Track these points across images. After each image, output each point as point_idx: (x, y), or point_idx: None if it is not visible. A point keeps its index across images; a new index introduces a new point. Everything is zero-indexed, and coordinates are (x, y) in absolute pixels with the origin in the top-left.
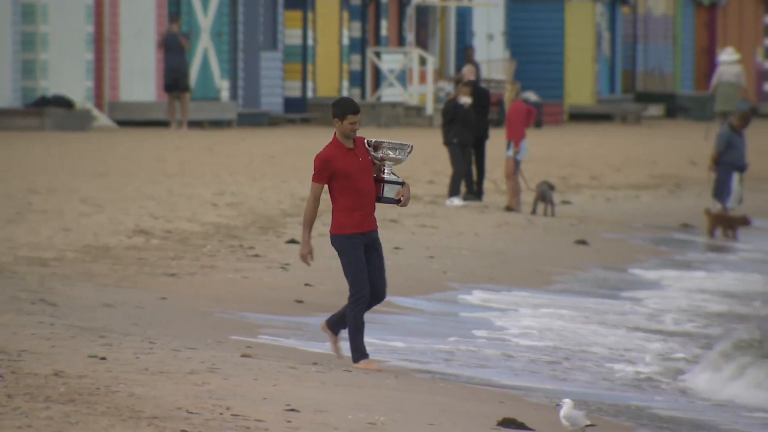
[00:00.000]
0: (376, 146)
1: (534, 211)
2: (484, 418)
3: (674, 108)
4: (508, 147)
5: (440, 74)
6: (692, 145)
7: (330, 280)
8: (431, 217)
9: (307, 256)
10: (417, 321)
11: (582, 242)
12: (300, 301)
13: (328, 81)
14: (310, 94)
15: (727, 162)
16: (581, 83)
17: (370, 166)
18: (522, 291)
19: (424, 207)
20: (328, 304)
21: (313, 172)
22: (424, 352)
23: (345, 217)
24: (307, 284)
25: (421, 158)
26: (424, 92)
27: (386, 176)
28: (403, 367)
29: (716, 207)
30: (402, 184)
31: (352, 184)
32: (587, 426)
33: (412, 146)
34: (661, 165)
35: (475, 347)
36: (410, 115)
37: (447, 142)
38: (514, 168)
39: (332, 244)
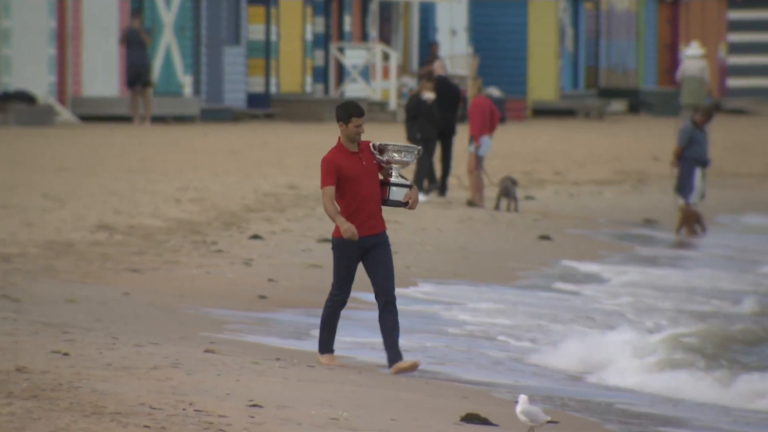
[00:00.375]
0: (382, 149)
1: (497, 207)
2: (448, 413)
3: (637, 103)
4: (470, 142)
5: (404, 70)
6: (655, 140)
7: (293, 276)
8: (394, 212)
9: (354, 232)
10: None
11: (545, 238)
12: (263, 297)
13: (292, 76)
14: (273, 89)
15: (690, 157)
16: (544, 79)
17: (374, 169)
18: (484, 286)
19: None
20: (291, 299)
21: (321, 178)
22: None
23: (346, 220)
24: (270, 280)
25: None
26: (388, 88)
27: (393, 179)
28: (366, 363)
29: (678, 202)
30: (410, 186)
31: (354, 188)
32: (547, 422)
33: (420, 148)
34: (624, 161)
35: (438, 343)
36: (373, 110)
37: (410, 138)
38: (477, 163)
39: (332, 245)
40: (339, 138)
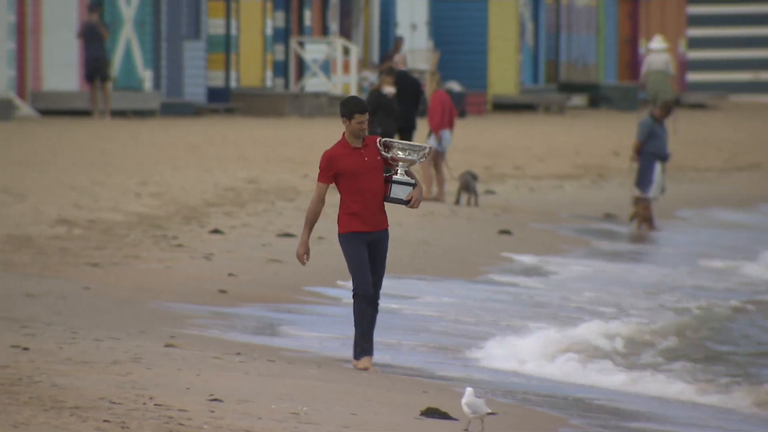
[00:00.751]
0: (387, 146)
1: (458, 201)
2: (408, 407)
3: (597, 98)
4: (429, 136)
5: (364, 64)
6: (615, 135)
7: (253, 270)
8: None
9: (303, 256)
10: (339, 311)
11: (506, 232)
12: (223, 291)
13: (252, 71)
14: (233, 83)
15: (650, 152)
16: (505, 73)
17: (378, 165)
18: (444, 281)
19: None
20: (252, 294)
21: (318, 172)
22: (345, 342)
23: (347, 216)
24: (230, 274)
25: None
26: (348, 82)
27: (396, 176)
28: (327, 357)
29: (633, 193)
30: (413, 185)
31: (356, 184)
32: (488, 414)
33: (429, 148)
34: (584, 155)
35: (399, 338)
36: (334, 105)
37: (370, 132)
38: (436, 158)
39: (339, 242)
40: (343, 133)
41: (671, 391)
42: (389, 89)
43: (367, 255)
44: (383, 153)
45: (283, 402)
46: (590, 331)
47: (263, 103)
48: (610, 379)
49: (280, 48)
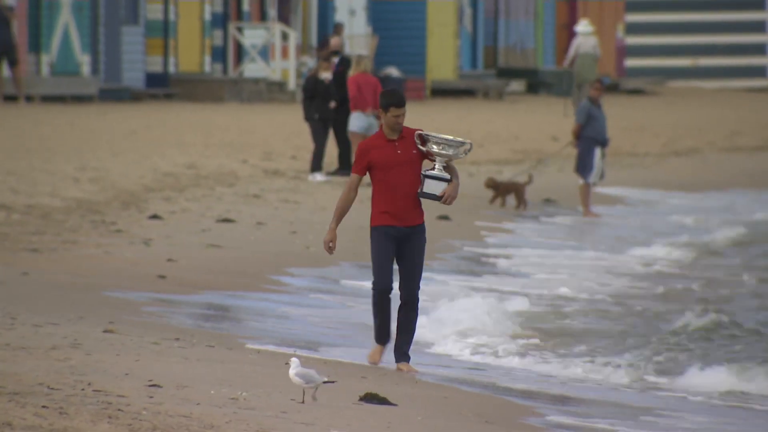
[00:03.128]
0: (424, 140)
1: None
2: (347, 393)
3: (536, 83)
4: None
5: (303, 49)
6: (554, 120)
7: (192, 256)
8: (294, 192)
9: (328, 242)
10: (280, 298)
11: (444, 218)
12: (162, 277)
13: (191, 56)
14: (172, 69)
15: (589, 136)
16: (443, 59)
17: (412, 159)
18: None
19: (287, 182)
20: (191, 279)
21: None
22: (290, 329)
23: (376, 209)
24: (169, 260)
25: (283, 134)
26: (287, 67)
27: (430, 171)
28: (266, 342)
29: (579, 182)
30: (448, 180)
31: (386, 177)
32: (325, 382)
33: (469, 144)
34: (523, 140)
35: (337, 322)
36: (273, 90)
37: (308, 118)
38: (354, 142)
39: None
40: (381, 125)
41: (590, 375)
42: (326, 75)
43: (392, 250)
44: (419, 147)
45: (222, 387)
46: (521, 311)
47: (202, 89)
48: (535, 364)
49: (218, 33)
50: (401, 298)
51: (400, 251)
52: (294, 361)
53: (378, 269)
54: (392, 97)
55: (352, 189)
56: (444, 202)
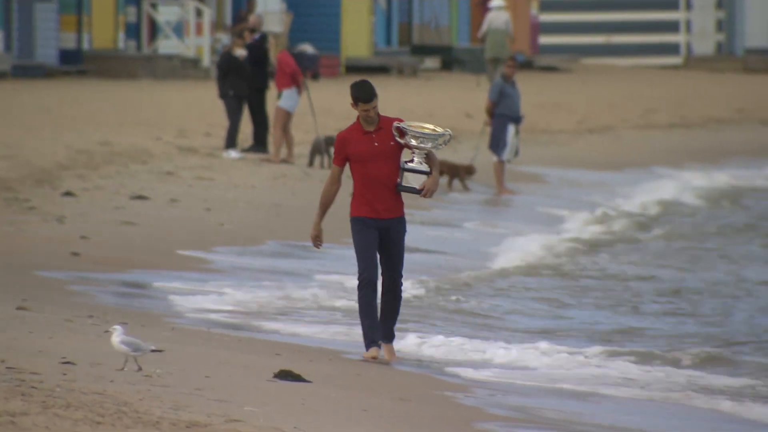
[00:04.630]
0: (402, 132)
1: (311, 164)
2: (261, 370)
3: (450, 61)
4: (279, 97)
5: (217, 26)
6: (468, 97)
7: (106, 233)
8: (208, 169)
9: (314, 238)
10: (192, 275)
11: None
12: (76, 254)
13: (104, 33)
14: (86, 45)
15: (502, 114)
16: (358, 36)
17: (389, 151)
18: (294, 246)
19: (201, 159)
20: (104, 256)
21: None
22: (204, 306)
23: (356, 200)
24: (83, 237)
25: (197, 111)
26: (201, 44)
27: (409, 164)
28: (180, 319)
29: (492, 159)
30: (428, 173)
31: (363, 169)
32: (152, 350)
33: (448, 134)
34: (437, 117)
35: (252, 298)
36: (187, 67)
37: (222, 95)
38: (285, 119)
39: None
40: (358, 115)
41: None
42: (240, 52)
43: (375, 240)
44: (397, 139)
45: (136, 364)
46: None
47: (116, 66)
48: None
49: (132, 10)
50: (383, 285)
51: (382, 243)
52: (117, 328)
53: (362, 261)
54: (359, 91)
55: (334, 181)
56: (424, 196)
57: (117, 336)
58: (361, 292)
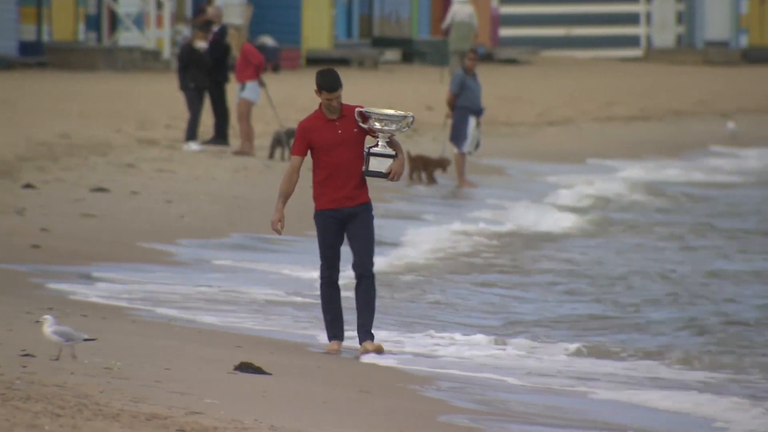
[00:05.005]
0: (365, 117)
1: (271, 156)
2: (222, 362)
3: (411, 53)
4: (242, 89)
5: (178, 18)
6: (429, 89)
7: (66, 225)
8: (169, 161)
9: (275, 222)
10: (152, 267)
11: None
12: (36, 246)
13: (64, 24)
14: (46, 37)
15: (464, 106)
16: (318, 28)
17: (354, 138)
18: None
19: (162, 152)
20: (65, 248)
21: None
22: (166, 298)
23: (318, 191)
24: (43, 229)
25: (158, 103)
26: (162, 36)
27: (374, 149)
28: (140, 311)
29: (453, 151)
30: (393, 157)
31: (327, 158)
32: (85, 339)
33: (411, 116)
34: (397, 110)
35: (214, 290)
36: (147, 59)
37: (183, 87)
38: (246, 111)
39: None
40: (320, 103)
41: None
42: (201, 44)
43: (339, 237)
44: (361, 124)
45: (95, 357)
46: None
47: (76, 57)
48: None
49: (92, 2)
50: (356, 276)
51: (349, 231)
52: (48, 318)
53: (323, 261)
54: (324, 80)
55: (294, 171)
56: (391, 179)
57: (48, 326)
58: (323, 289)
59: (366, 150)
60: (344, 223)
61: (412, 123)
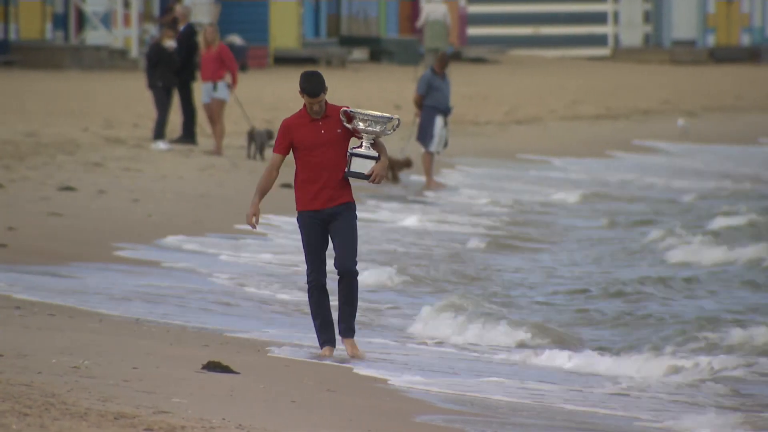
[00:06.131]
0: (350, 117)
1: (249, 155)
2: (189, 361)
3: (379, 52)
4: (215, 89)
5: (146, 17)
6: (396, 88)
7: (33, 224)
8: (136, 160)
9: (251, 217)
10: (120, 267)
11: (288, 186)
12: (3, 245)
13: (31, 23)
14: (13, 36)
15: (431, 105)
16: (286, 27)
17: (337, 138)
18: (217, 237)
19: (129, 150)
20: (32, 246)
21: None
22: (133, 298)
23: (300, 191)
24: (10, 228)
25: (125, 102)
26: (129, 35)
27: (357, 150)
28: (108, 310)
29: (421, 151)
30: (376, 158)
31: (309, 157)
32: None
33: (397, 119)
34: (365, 109)
35: (182, 288)
36: (115, 58)
37: (151, 85)
38: (218, 109)
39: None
40: (304, 102)
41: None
42: (169, 43)
43: (323, 239)
44: (345, 124)
45: (63, 356)
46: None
47: (43, 56)
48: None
49: (59, 0)
50: (338, 273)
51: (332, 230)
52: None
53: (309, 264)
54: (306, 84)
55: (273, 168)
56: (372, 181)
57: None
58: (310, 293)
59: (349, 151)
60: (327, 224)
61: (397, 126)
